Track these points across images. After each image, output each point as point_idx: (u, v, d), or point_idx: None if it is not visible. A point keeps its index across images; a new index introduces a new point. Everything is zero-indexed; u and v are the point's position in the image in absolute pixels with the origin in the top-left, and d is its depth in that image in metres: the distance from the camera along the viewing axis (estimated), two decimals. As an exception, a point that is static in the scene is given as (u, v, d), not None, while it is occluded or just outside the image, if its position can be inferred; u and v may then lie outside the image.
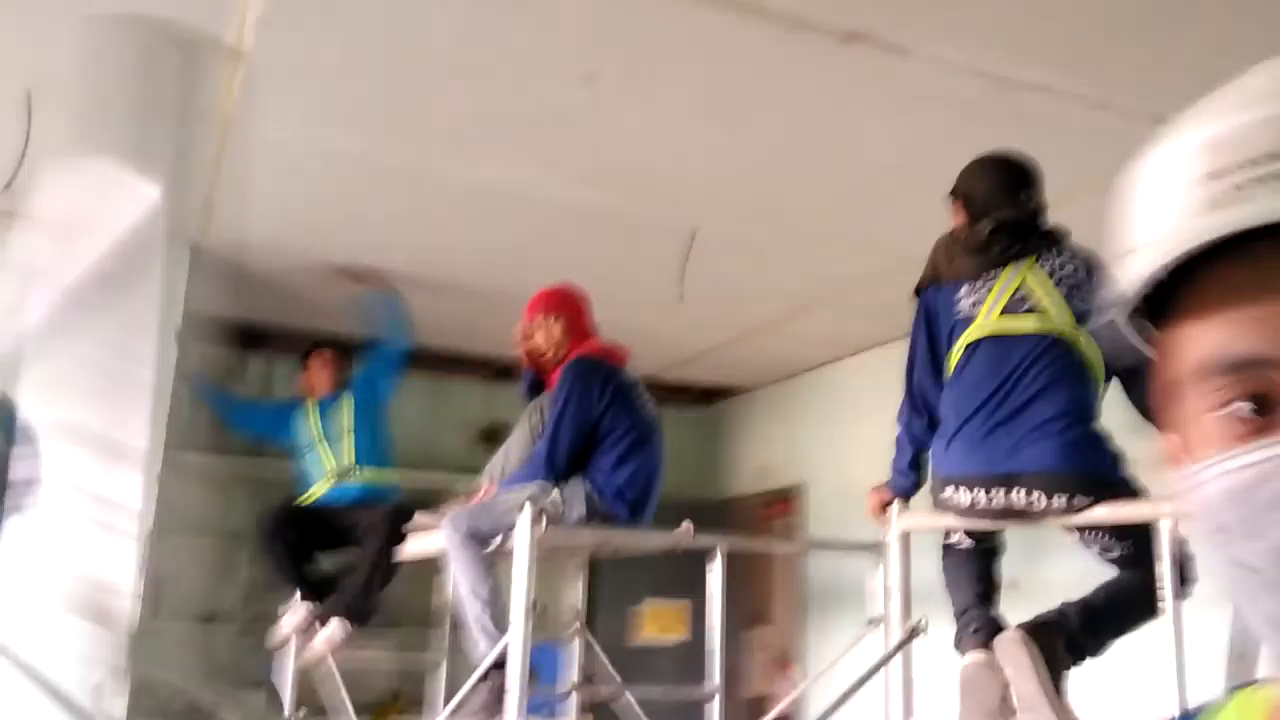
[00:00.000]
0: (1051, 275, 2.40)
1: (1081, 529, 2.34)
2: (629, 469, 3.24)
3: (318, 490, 4.33)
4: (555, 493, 3.18)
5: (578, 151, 3.39)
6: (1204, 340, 0.53)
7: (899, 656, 2.65)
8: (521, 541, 2.90)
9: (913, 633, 2.52)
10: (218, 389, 4.78)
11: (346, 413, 4.42)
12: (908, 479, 2.61)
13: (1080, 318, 2.32)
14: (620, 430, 3.25)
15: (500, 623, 3.12)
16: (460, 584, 3.21)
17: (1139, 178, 0.56)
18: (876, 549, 3.27)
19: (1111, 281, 0.56)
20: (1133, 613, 2.27)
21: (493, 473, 3.54)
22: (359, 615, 4.01)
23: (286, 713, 4.17)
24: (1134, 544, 2.31)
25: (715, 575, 3.26)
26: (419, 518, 3.73)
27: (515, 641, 2.86)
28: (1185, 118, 0.54)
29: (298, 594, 4.15)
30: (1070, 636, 2.23)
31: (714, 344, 5.59)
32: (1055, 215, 2.63)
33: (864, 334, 5.22)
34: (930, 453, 2.51)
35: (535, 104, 3.09)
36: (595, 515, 3.21)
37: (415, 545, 3.53)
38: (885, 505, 2.65)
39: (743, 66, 2.84)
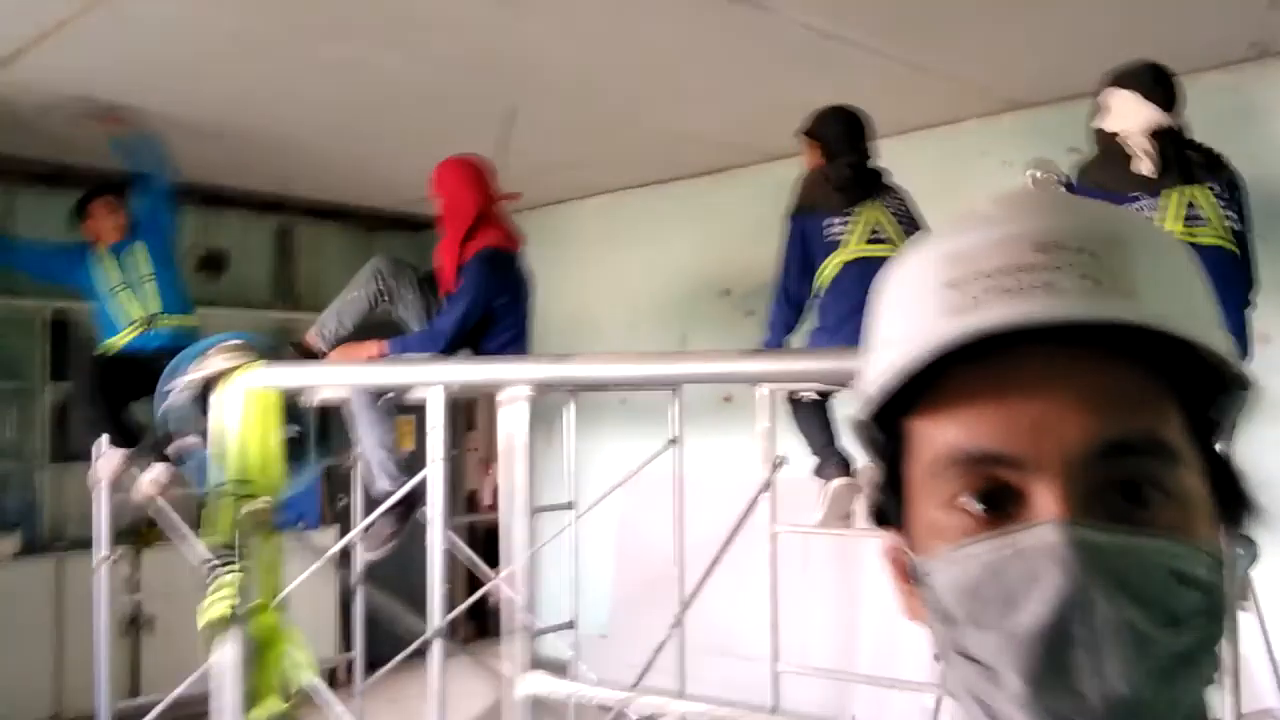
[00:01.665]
0: (892, 210, 3.26)
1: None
2: (511, 350, 3.71)
3: (124, 337, 4.37)
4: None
5: (446, 43, 3.61)
6: (940, 436, 0.53)
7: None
8: (436, 404, 3.37)
9: (778, 463, 3.38)
10: None
11: (143, 258, 4.42)
12: None
13: None
14: (509, 319, 3.68)
15: (400, 466, 3.64)
16: (366, 436, 3.66)
17: (889, 283, 0.58)
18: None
19: (858, 378, 0.58)
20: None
21: (324, 328, 3.83)
22: (179, 457, 4.23)
23: (104, 552, 4.33)
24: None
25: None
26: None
27: (435, 479, 3.36)
28: (931, 234, 0.57)
29: (105, 439, 4.26)
30: None
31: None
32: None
33: (599, 183, 5.87)
34: (813, 337, 3.32)
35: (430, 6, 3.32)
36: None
37: (321, 393, 3.78)
38: None
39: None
